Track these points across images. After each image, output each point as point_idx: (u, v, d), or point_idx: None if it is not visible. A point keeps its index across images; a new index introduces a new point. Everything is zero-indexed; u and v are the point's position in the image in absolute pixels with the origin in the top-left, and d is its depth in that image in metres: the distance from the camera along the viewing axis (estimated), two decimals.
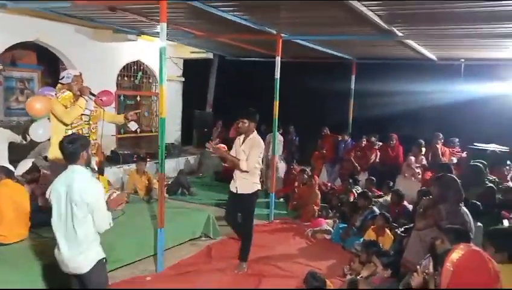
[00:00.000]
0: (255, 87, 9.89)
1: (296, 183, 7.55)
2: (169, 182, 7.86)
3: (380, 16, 5.23)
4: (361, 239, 5.05)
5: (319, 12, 5.29)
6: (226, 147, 4.64)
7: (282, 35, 6.58)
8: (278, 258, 5.07)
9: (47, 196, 2.96)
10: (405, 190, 6.49)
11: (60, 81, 4.52)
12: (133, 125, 5.01)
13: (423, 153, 8.02)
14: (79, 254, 2.87)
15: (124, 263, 4.49)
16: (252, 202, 4.64)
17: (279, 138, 8.43)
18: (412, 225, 4.75)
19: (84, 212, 2.82)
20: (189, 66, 11.00)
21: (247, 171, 4.44)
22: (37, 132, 4.29)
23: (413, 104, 9.19)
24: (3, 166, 4.57)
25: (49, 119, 4.42)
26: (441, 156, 7.78)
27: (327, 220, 6.29)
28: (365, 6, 4.72)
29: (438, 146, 7.86)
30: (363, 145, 8.58)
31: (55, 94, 4.41)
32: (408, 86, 9.04)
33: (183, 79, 11.01)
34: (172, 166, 9.31)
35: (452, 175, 4.26)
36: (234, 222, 4.80)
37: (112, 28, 7.75)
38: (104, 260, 3.01)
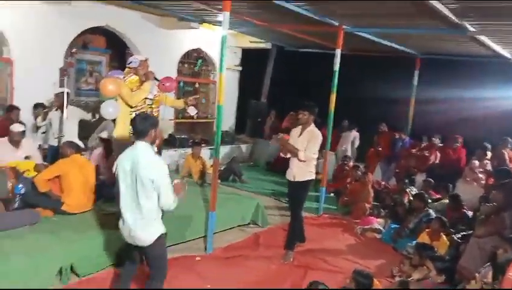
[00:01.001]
0: (310, 79, 9.75)
1: (349, 179, 7.42)
2: (222, 169, 8.05)
3: (451, 9, 4.94)
4: (414, 241, 4.88)
5: (384, 3, 5.09)
6: (289, 137, 4.85)
7: (344, 27, 6.43)
8: (325, 252, 5.05)
9: (113, 170, 3.14)
10: (465, 195, 6.16)
11: (127, 65, 4.74)
12: (192, 110, 5.17)
13: (488, 157, 7.51)
14: (143, 227, 3.02)
15: (175, 242, 4.66)
16: (304, 189, 4.74)
17: (355, 134, 9.13)
18: (470, 231, 4.53)
19: (150, 188, 2.93)
20: (247, 55, 11.10)
21: (305, 161, 4.56)
22: (107, 110, 4.61)
23: (481, 104, 8.57)
24: (73, 142, 4.93)
25: (116, 100, 4.68)
26: (508, 162, 7.24)
27: (378, 219, 6.14)
28: None
29: (504, 151, 7.31)
30: (423, 145, 8.21)
31: (123, 77, 4.65)
32: (476, 85, 8.46)
33: (240, 68, 11.16)
34: (225, 153, 9.53)
35: None
36: None
37: (176, 15, 8.00)
38: (164, 235, 3.14)
